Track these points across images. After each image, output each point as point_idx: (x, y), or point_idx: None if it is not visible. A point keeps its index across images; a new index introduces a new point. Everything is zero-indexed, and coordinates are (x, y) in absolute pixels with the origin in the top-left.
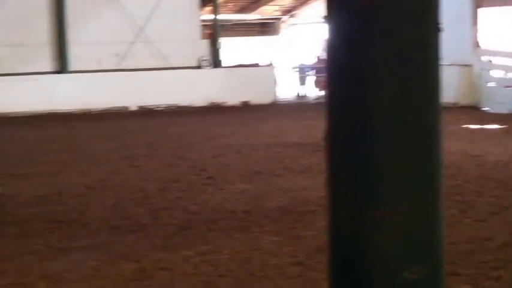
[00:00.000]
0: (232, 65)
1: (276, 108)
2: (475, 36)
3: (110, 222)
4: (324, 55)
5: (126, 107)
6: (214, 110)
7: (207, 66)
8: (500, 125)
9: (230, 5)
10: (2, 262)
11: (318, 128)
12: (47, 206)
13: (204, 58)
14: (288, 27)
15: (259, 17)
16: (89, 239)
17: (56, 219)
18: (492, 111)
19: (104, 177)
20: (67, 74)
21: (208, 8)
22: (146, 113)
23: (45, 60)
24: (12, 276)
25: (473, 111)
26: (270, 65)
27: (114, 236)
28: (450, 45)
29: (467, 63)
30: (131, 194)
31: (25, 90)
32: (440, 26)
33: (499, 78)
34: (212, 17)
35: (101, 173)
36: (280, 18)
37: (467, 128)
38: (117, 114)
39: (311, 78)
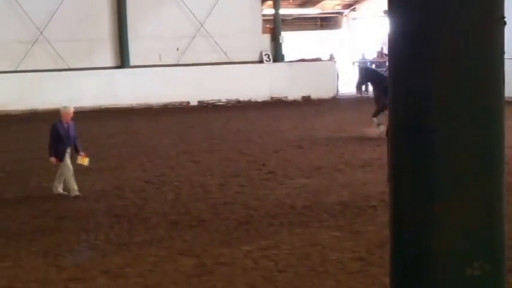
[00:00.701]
0: (294, 59)
1: (337, 103)
2: None
3: (169, 217)
4: (385, 49)
5: (187, 102)
6: (275, 104)
7: (268, 60)
8: None
9: None
10: (63, 257)
11: None
12: (106, 201)
13: (266, 53)
14: (349, 22)
15: (320, 11)
16: (148, 234)
17: (115, 214)
18: None
19: (163, 172)
20: (127, 69)
21: (269, 3)
22: (206, 108)
23: (106, 55)
24: (72, 271)
25: None
26: (331, 59)
27: (173, 231)
28: None
29: None
30: (191, 189)
31: (86, 85)
32: (505, 19)
33: None
34: (273, 11)
35: (160, 168)
36: (342, 12)
37: None
38: (177, 109)
39: None
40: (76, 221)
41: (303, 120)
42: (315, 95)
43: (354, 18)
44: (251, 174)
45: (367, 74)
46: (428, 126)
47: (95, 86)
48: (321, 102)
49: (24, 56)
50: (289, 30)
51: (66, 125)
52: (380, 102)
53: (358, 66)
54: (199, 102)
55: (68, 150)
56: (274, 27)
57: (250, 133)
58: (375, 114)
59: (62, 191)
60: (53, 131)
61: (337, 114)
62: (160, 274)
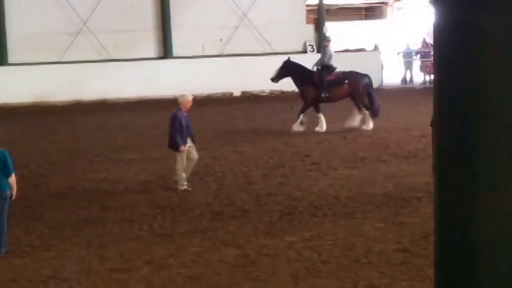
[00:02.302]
0: (338, 50)
1: (381, 93)
2: None
3: (212, 208)
4: (430, 39)
5: (230, 93)
6: None
7: (312, 51)
8: None
9: None
10: (106, 248)
11: (424, 113)
12: (150, 192)
13: (309, 43)
14: (394, 11)
15: (365, 1)
16: (192, 224)
17: (159, 204)
18: None
19: (207, 163)
20: (171, 60)
21: None
22: (250, 99)
23: (150, 46)
24: (116, 262)
25: None
26: (376, 49)
27: (216, 222)
28: None
29: None
30: (234, 180)
31: (129, 76)
32: None
33: None
34: (317, 1)
35: (204, 159)
36: (386, 2)
37: None
38: (220, 100)
39: (417, 63)
40: (120, 212)
41: (347, 111)
42: None
43: (399, 8)
44: (295, 165)
45: (291, 68)
46: (476, 119)
47: (138, 76)
48: None
49: (68, 47)
50: (333, 20)
51: (185, 114)
52: (307, 98)
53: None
54: (242, 92)
55: (188, 140)
56: (318, 17)
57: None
58: (302, 110)
59: (188, 187)
60: (175, 120)
61: (381, 105)
62: (203, 265)
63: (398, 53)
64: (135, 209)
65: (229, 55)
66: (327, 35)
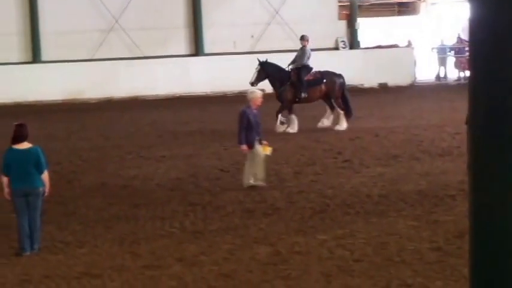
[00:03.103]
0: (370, 46)
1: (414, 90)
2: None
3: (244, 205)
4: (465, 35)
5: (262, 89)
6: (351, 92)
7: (344, 47)
8: None
9: None
10: (138, 245)
11: (458, 110)
12: (181, 189)
13: (341, 39)
14: (427, 7)
15: None
16: (223, 222)
17: (190, 202)
18: None
19: (238, 160)
20: (202, 57)
21: None
22: None
23: (181, 43)
24: (148, 259)
25: None
26: (409, 45)
27: (248, 220)
28: None
29: None
30: (266, 177)
31: (160, 73)
32: None
33: None
34: None
35: (235, 156)
36: None
37: None
38: None
39: (451, 59)
40: (151, 209)
41: (380, 108)
42: (392, 82)
43: (432, 3)
44: (327, 163)
45: (270, 69)
46: None
47: (169, 74)
48: (398, 90)
49: (100, 45)
50: (366, 17)
51: (255, 111)
52: (285, 99)
53: (259, 60)
54: None
55: (257, 138)
56: (351, 13)
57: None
58: (280, 111)
59: (253, 183)
60: (243, 117)
61: (415, 102)
62: (235, 262)
63: (432, 49)
64: (166, 206)
65: (260, 52)
66: (304, 34)
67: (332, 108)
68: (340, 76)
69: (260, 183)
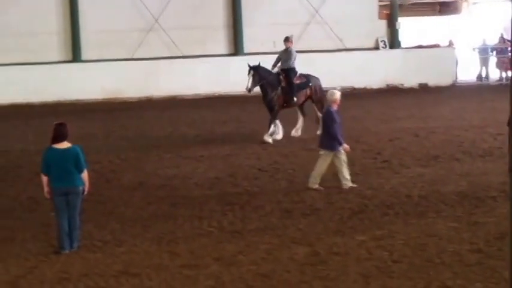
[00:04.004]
0: (411, 46)
1: (455, 90)
2: None
3: (282, 205)
4: (508, 35)
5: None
6: (391, 92)
7: (384, 47)
8: None
9: None
10: (176, 244)
11: (500, 110)
12: (220, 188)
13: (382, 39)
14: (469, 6)
15: None
16: (261, 221)
17: (228, 201)
18: None
19: (276, 160)
20: (241, 56)
21: None
22: None
23: (220, 42)
24: (186, 258)
25: None
26: (450, 45)
27: (286, 220)
28: None
29: None
30: (305, 177)
31: (200, 72)
32: None
33: None
34: None
35: (274, 156)
36: None
37: None
38: None
39: (493, 59)
40: (190, 208)
41: (420, 108)
42: (432, 82)
43: (474, 3)
44: (366, 163)
45: (263, 73)
46: None
47: (209, 73)
48: (438, 90)
49: (140, 44)
50: (407, 16)
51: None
52: (277, 104)
53: (249, 65)
54: None
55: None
56: (391, 12)
57: (365, 121)
58: (274, 118)
59: (318, 186)
60: (331, 117)
61: (455, 102)
62: (273, 262)
63: (473, 49)
64: (205, 206)
65: (300, 51)
66: (288, 35)
67: (304, 114)
68: (319, 79)
69: (349, 184)
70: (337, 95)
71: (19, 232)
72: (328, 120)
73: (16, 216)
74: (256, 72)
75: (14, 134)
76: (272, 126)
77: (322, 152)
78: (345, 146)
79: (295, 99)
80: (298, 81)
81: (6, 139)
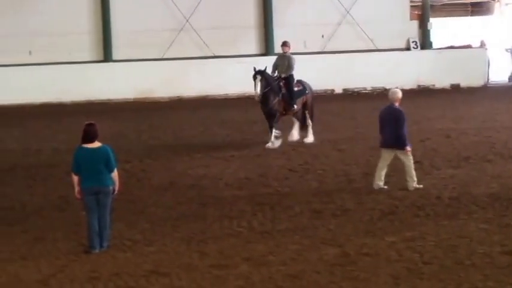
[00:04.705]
0: (443, 46)
1: (487, 91)
2: None
3: (312, 205)
4: None
5: (331, 90)
6: (422, 92)
7: (415, 47)
8: None
9: None
10: (206, 244)
11: None
12: (250, 188)
13: (413, 40)
14: (501, 7)
15: None
16: (291, 222)
17: (258, 201)
18: None
19: (307, 161)
20: (272, 56)
21: None
22: (351, 96)
23: (251, 42)
24: (215, 258)
25: None
26: (482, 46)
27: (316, 220)
28: None
29: None
30: (335, 178)
31: (230, 72)
32: None
33: None
34: None
35: (304, 156)
36: None
37: None
38: (321, 97)
39: None
40: (219, 208)
41: (451, 109)
42: (464, 83)
43: (507, 4)
44: (396, 164)
45: (269, 79)
46: None
47: (239, 73)
48: (470, 91)
49: (171, 44)
50: (438, 17)
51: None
52: (276, 113)
53: (255, 69)
54: (344, 90)
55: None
56: (423, 13)
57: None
58: (274, 125)
59: (384, 186)
60: (403, 116)
61: (487, 103)
62: (303, 263)
63: (505, 50)
64: (234, 206)
65: (331, 52)
66: (285, 40)
67: (303, 121)
68: (311, 86)
69: (416, 185)
70: (400, 93)
71: (50, 231)
72: (401, 119)
73: (47, 216)
74: (264, 77)
75: (45, 134)
76: (274, 130)
77: (387, 151)
78: (410, 148)
79: (295, 106)
80: (296, 88)
81: (38, 138)
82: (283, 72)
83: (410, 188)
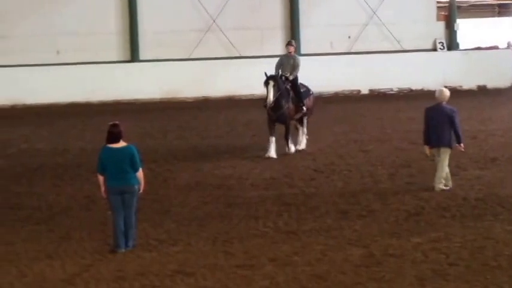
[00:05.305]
0: (469, 47)
1: None
2: None
3: (338, 206)
4: None
5: (357, 90)
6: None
7: (442, 48)
8: None
9: None
10: (231, 244)
11: None
12: (276, 189)
13: (440, 40)
14: None
15: None
16: (317, 222)
17: (284, 202)
18: None
19: (332, 161)
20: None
21: None
22: (378, 97)
23: (277, 43)
24: (241, 258)
25: None
26: (509, 47)
27: (342, 221)
28: None
29: None
30: (360, 179)
31: (257, 73)
32: None
33: None
34: None
35: (330, 157)
36: None
37: None
38: (347, 98)
39: None
40: (245, 208)
41: (478, 110)
42: (491, 84)
43: None
44: (422, 165)
45: (281, 84)
46: None
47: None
48: (497, 92)
49: (198, 44)
50: (465, 18)
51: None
52: (287, 118)
53: (266, 74)
54: (370, 90)
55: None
56: (449, 14)
57: (423, 123)
58: (288, 133)
59: (444, 187)
60: (457, 115)
61: (507, 105)
62: (328, 263)
63: None
64: (260, 206)
65: (357, 52)
66: (291, 39)
67: (302, 124)
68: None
69: (444, 187)
70: (446, 92)
71: (76, 230)
72: (456, 118)
73: (73, 215)
74: (276, 82)
75: (72, 133)
76: (290, 138)
77: (443, 150)
78: (427, 148)
79: (304, 108)
80: (301, 90)
81: (65, 138)
82: (287, 72)
83: (437, 189)
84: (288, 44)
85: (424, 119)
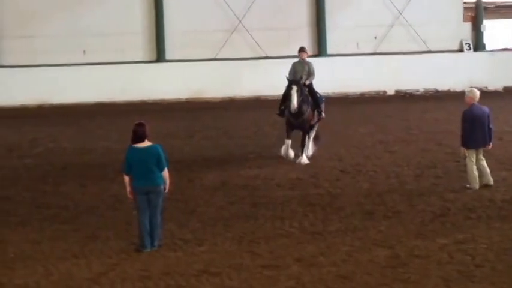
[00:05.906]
0: (496, 48)
1: None
2: None
3: (363, 207)
4: None
5: (383, 91)
6: None
7: (468, 49)
8: None
9: None
10: (257, 244)
11: None
12: (301, 189)
13: (466, 42)
14: None
15: None
16: (342, 223)
17: (310, 202)
18: None
19: (358, 162)
20: (325, 58)
21: None
22: (403, 97)
23: (304, 44)
24: (266, 258)
25: None
26: None
27: (367, 221)
28: None
29: None
30: (386, 180)
31: (283, 73)
32: None
33: None
34: None
35: (356, 158)
36: None
37: None
38: (373, 98)
39: None
40: (271, 209)
41: (504, 112)
42: None
43: None
44: (448, 166)
45: (303, 90)
46: None
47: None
48: None
49: (224, 45)
50: (492, 19)
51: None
52: (307, 125)
53: (288, 79)
54: (396, 91)
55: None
56: (476, 15)
57: (449, 124)
58: (308, 140)
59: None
60: (490, 115)
61: None
62: (353, 264)
63: None
64: (286, 206)
65: (383, 53)
66: (302, 46)
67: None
68: None
69: (473, 186)
70: (476, 92)
71: (102, 230)
72: (490, 118)
73: (99, 214)
74: (300, 87)
75: (98, 133)
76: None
77: (482, 149)
78: (463, 150)
79: (323, 114)
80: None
81: (91, 137)
82: (310, 79)
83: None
84: (301, 50)
85: (464, 121)
